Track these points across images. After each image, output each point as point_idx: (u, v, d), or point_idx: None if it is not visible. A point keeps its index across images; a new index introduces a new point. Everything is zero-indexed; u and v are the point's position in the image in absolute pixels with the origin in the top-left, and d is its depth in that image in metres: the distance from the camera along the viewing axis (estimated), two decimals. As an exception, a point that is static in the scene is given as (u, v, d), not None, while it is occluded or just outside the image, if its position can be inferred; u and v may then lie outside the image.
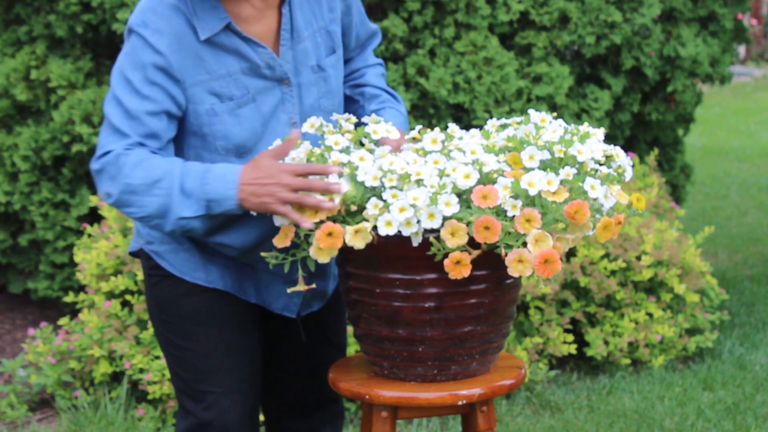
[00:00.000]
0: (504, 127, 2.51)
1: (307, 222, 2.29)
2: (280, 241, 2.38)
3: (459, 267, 2.26)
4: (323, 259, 2.33)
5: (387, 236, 2.27)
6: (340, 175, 2.31)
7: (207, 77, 2.43)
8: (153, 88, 2.39)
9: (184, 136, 2.49)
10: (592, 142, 2.37)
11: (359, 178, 2.28)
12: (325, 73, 2.55)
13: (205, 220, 2.39)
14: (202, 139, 2.47)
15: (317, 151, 2.39)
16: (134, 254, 2.70)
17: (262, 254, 2.48)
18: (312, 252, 2.33)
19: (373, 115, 2.53)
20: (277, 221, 2.38)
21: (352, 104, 2.70)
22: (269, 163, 2.34)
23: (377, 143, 2.48)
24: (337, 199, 2.30)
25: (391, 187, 2.28)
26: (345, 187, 2.30)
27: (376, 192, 2.32)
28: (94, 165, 2.40)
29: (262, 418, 2.87)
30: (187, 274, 2.58)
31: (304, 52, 2.52)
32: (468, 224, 2.23)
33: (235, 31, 2.45)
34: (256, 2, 2.48)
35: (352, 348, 4.15)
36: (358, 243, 2.28)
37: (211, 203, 2.35)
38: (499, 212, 2.25)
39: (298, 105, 2.53)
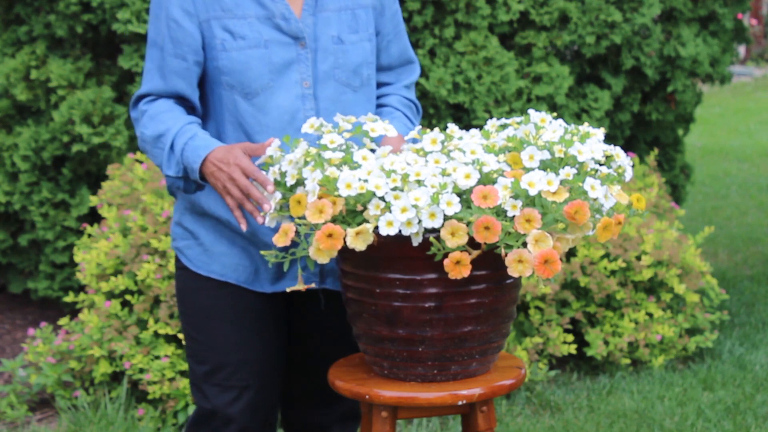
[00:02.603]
0: (504, 127, 2.51)
1: (243, 224, 2.45)
2: (281, 240, 2.38)
3: (459, 267, 2.26)
4: (323, 259, 2.33)
5: (387, 236, 2.27)
6: (273, 192, 2.39)
7: (222, 14, 2.55)
8: (175, 33, 2.54)
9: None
10: (592, 142, 2.37)
11: (342, 192, 2.30)
12: (344, 45, 2.62)
13: (190, 182, 2.54)
14: (213, 72, 2.58)
15: (313, 150, 2.39)
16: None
17: (262, 253, 2.50)
18: (311, 252, 2.33)
19: (370, 114, 2.54)
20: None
21: None
22: (235, 153, 2.44)
23: (377, 143, 2.49)
24: (266, 207, 2.38)
25: (393, 188, 2.28)
26: (269, 206, 2.38)
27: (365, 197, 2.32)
28: (130, 112, 2.64)
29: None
30: (201, 269, 2.66)
31: (325, 20, 2.61)
32: (468, 224, 2.23)
33: None
34: None
35: (352, 348, 4.16)
36: (359, 245, 2.28)
37: (186, 169, 2.51)
38: (499, 212, 2.25)
39: (312, 68, 2.60)
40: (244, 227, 2.45)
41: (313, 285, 2.56)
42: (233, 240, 2.65)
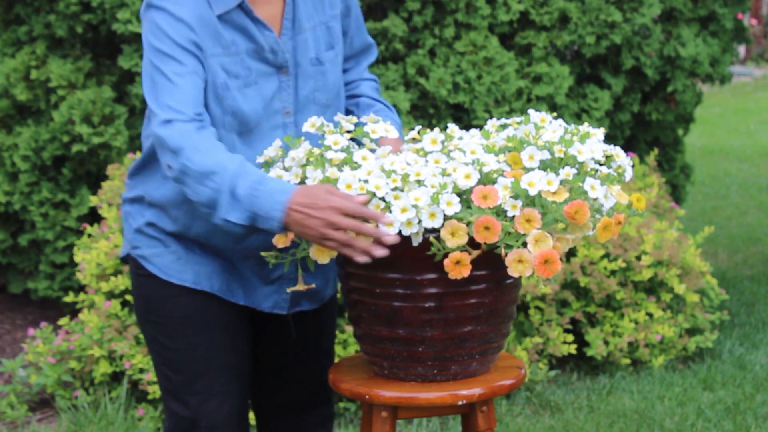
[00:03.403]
0: (504, 127, 2.51)
1: (361, 257, 2.26)
2: (280, 241, 2.37)
3: (459, 267, 2.26)
4: (323, 260, 2.33)
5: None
6: (391, 224, 2.24)
7: (221, 51, 2.46)
8: (189, 59, 2.40)
9: None
10: (592, 142, 2.37)
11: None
12: (322, 66, 2.56)
13: (252, 232, 2.37)
14: (215, 111, 2.47)
15: (316, 151, 2.39)
16: (123, 260, 2.71)
17: (262, 254, 2.48)
18: (312, 253, 2.33)
19: (372, 114, 2.53)
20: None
21: (346, 114, 2.70)
22: (323, 195, 2.26)
23: (377, 143, 2.49)
24: (392, 239, 2.23)
25: (393, 188, 2.28)
26: (395, 237, 2.24)
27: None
28: (160, 131, 2.37)
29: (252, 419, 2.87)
30: (174, 277, 2.57)
31: (303, 43, 2.54)
32: (468, 224, 2.23)
33: (247, 11, 2.48)
34: None
35: (352, 348, 4.15)
36: (359, 245, 2.28)
37: (256, 217, 2.31)
38: (499, 212, 2.25)
39: (293, 95, 2.54)
40: (362, 260, 2.26)
41: (313, 285, 2.55)
42: (206, 248, 2.59)
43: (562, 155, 2.33)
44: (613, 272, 4.60)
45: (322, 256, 2.33)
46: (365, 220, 2.25)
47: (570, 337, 4.50)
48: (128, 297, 4.23)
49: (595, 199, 2.30)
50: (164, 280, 2.58)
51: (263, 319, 2.70)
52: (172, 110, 2.37)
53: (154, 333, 2.61)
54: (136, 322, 4.21)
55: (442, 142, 2.40)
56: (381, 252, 2.25)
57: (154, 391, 4.07)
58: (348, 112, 2.71)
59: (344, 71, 2.71)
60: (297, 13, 2.54)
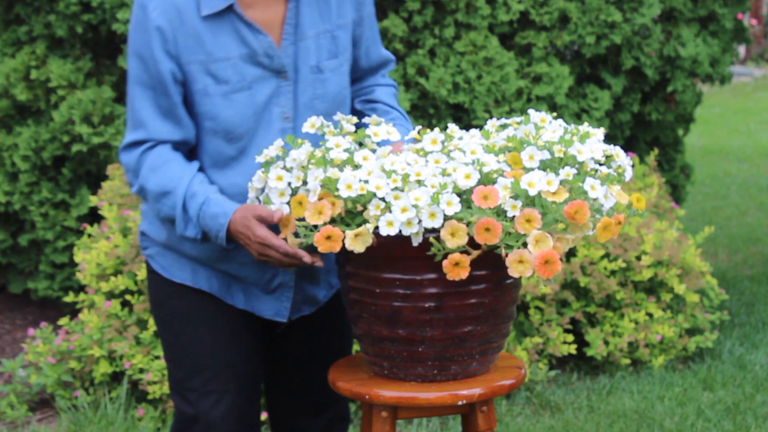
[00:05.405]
0: (504, 127, 2.50)
1: (306, 257, 2.38)
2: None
3: (458, 269, 2.26)
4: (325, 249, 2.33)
5: (387, 236, 2.27)
6: (313, 262, 2.39)
7: (205, 58, 2.46)
8: (161, 71, 2.45)
9: None
10: (592, 142, 2.36)
11: (342, 193, 2.28)
12: (323, 75, 2.55)
13: (209, 242, 2.51)
14: (193, 118, 2.51)
15: (318, 153, 2.39)
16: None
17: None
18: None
19: (374, 116, 2.53)
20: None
21: (362, 119, 2.69)
22: (253, 228, 2.39)
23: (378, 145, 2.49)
24: (319, 263, 2.39)
25: (394, 188, 2.28)
26: (320, 262, 2.39)
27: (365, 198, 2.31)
28: (121, 156, 2.54)
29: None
30: (175, 275, 2.62)
31: (305, 49, 2.53)
32: (468, 224, 2.23)
33: (238, 14, 2.46)
34: None
35: (352, 348, 4.15)
36: (358, 247, 2.28)
37: (208, 234, 2.47)
38: (500, 212, 2.25)
39: (293, 101, 2.53)
40: (318, 264, 2.41)
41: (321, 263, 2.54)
42: (212, 248, 2.60)
43: (562, 155, 2.33)
44: (613, 272, 4.60)
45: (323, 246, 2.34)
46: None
47: (570, 337, 4.50)
48: (128, 297, 4.23)
49: (595, 199, 2.30)
50: (167, 278, 2.63)
51: (270, 321, 2.71)
52: (132, 133, 2.51)
53: (161, 329, 2.69)
54: (136, 322, 4.21)
55: (442, 142, 2.40)
56: (318, 263, 2.39)
57: (154, 391, 4.07)
58: (364, 117, 2.69)
59: (360, 80, 2.71)
60: (300, 18, 2.52)
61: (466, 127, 4.73)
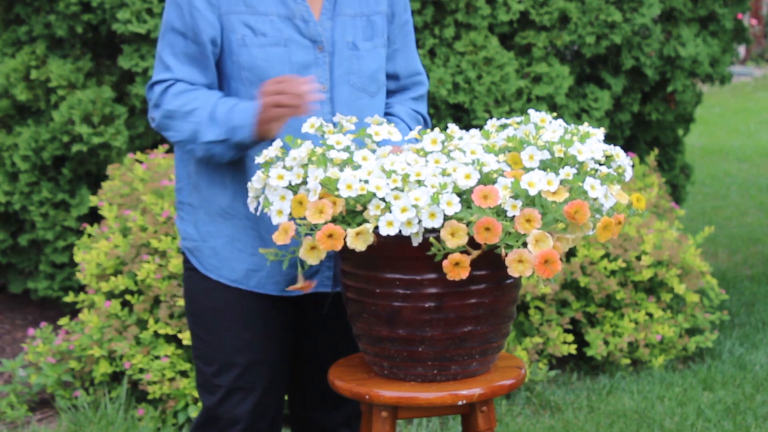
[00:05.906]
0: (504, 127, 2.50)
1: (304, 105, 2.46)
2: (280, 238, 2.38)
3: (458, 269, 2.26)
4: (312, 260, 2.33)
5: (387, 236, 2.27)
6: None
7: (245, 9, 2.57)
8: (196, 18, 2.55)
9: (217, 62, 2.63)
10: (592, 142, 2.36)
11: (342, 193, 2.29)
12: (358, 52, 2.64)
13: (227, 148, 2.53)
14: (230, 67, 2.59)
15: (319, 150, 2.39)
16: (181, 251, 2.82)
17: (261, 250, 2.52)
18: (301, 253, 2.34)
19: (376, 116, 2.54)
20: (275, 219, 2.38)
21: None
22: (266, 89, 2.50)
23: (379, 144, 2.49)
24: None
25: (394, 188, 2.28)
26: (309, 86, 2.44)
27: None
28: (147, 92, 2.64)
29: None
30: (211, 272, 2.67)
31: (342, 25, 2.63)
32: (468, 224, 2.23)
33: None
34: None
35: (352, 348, 4.15)
36: (359, 245, 2.28)
37: (233, 129, 2.51)
38: (500, 212, 2.25)
39: (329, 72, 2.62)
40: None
41: (314, 283, 2.56)
42: (246, 244, 2.64)
43: (562, 155, 2.33)
44: (613, 272, 4.60)
45: (311, 257, 2.33)
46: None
47: (570, 337, 4.50)
48: (128, 297, 4.23)
49: (595, 199, 2.30)
50: (203, 274, 2.68)
51: (302, 311, 2.75)
52: (160, 72, 2.61)
53: (193, 325, 2.73)
54: (136, 322, 4.21)
55: (442, 142, 2.40)
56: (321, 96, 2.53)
57: (154, 391, 4.07)
58: None
59: (390, 93, 2.77)
60: None
61: (466, 127, 4.73)
